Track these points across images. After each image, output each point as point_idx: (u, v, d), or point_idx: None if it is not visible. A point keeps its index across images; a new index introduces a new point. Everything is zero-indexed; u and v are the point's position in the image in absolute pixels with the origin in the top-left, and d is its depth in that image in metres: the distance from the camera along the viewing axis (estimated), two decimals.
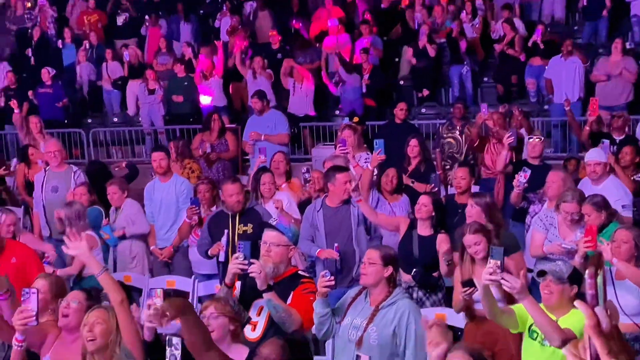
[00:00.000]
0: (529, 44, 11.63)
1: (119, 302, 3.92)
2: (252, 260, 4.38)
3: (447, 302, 5.96)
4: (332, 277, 4.27)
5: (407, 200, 7.19)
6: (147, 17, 13.89)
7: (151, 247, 7.49)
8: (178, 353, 3.06)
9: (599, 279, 0.87)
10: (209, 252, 6.46)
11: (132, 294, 6.01)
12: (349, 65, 11.61)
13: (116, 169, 9.16)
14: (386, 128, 9.98)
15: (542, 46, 11.40)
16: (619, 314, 4.66)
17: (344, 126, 8.52)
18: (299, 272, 4.79)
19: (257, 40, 13.33)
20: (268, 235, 4.59)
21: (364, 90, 11.47)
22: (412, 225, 6.16)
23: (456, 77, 12.11)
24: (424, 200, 6.09)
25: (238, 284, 4.55)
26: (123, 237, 7.27)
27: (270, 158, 7.93)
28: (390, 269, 4.29)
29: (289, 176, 7.85)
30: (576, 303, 1.08)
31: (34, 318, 3.82)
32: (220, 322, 3.99)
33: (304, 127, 11.78)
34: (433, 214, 6.02)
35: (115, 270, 7.20)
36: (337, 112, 12.16)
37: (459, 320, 5.41)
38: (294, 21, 13.37)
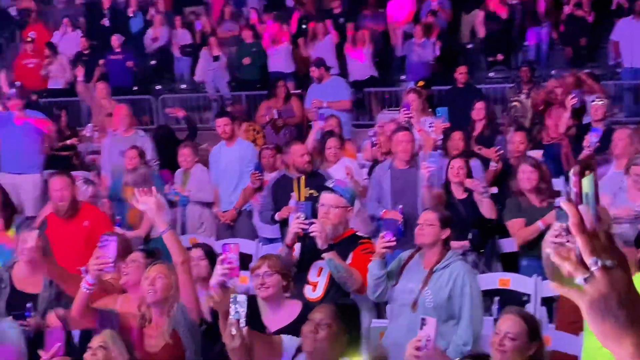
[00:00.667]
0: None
1: (180, 261, 4.02)
2: (312, 220, 4.41)
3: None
4: (393, 238, 4.28)
5: (478, 164, 6.91)
6: None
7: (214, 210, 7.64)
8: (243, 311, 3.12)
9: (587, 180, 0.85)
10: (275, 217, 6.51)
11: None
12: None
13: (171, 114, 9.27)
14: (450, 93, 9.88)
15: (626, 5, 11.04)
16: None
17: (408, 90, 8.48)
18: (357, 233, 4.81)
19: (322, 6, 13.27)
20: (325, 197, 4.61)
21: (436, 53, 11.19)
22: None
23: (533, 40, 11.65)
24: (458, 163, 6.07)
25: (298, 245, 4.56)
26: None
27: (325, 121, 7.96)
28: (447, 231, 4.30)
29: (342, 141, 7.82)
30: (561, 202, 1.05)
31: (112, 265, 3.86)
32: (274, 279, 4.06)
33: (368, 93, 11.71)
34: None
35: (183, 233, 7.33)
36: (403, 76, 12.05)
37: (524, 285, 5.37)
38: None
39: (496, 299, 5.39)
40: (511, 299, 5.21)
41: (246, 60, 11.85)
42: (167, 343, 3.89)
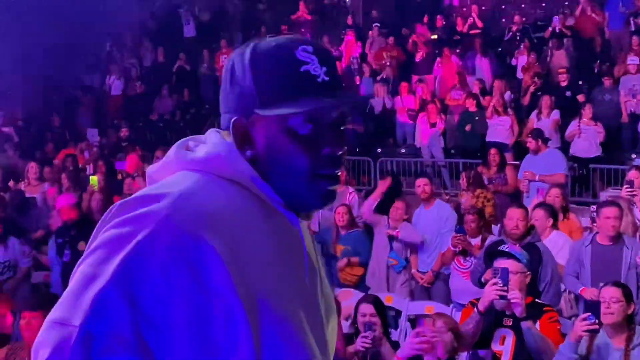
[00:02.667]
0: None
1: None
2: (510, 287, 4.35)
3: None
4: (596, 322, 4.09)
5: None
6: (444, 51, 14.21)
7: (412, 270, 7.66)
8: None
9: None
10: (481, 279, 6.34)
11: (387, 314, 6.13)
12: None
13: None
14: None
15: None
16: None
17: (631, 166, 8.07)
18: (536, 300, 4.67)
19: (551, 78, 13.01)
20: (504, 263, 4.51)
21: None
22: None
23: None
24: None
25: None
26: None
27: (546, 192, 7.76)
28: (632, 306, 4.06)
29: (565, 212, 7.62)
30: None
31: None
32: (447, 337, 4.00)
33: (593, 170, 11.21)
34: None
35: (388, 289, 7.48)
36: (634, 155, 11.39)
37: None
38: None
39: None
40: None
41: (467, 128, 11.88)
42: None
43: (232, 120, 1.43)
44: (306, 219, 1.53)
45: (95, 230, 1.39)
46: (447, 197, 10.40)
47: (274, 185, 1.43)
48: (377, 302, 4.98)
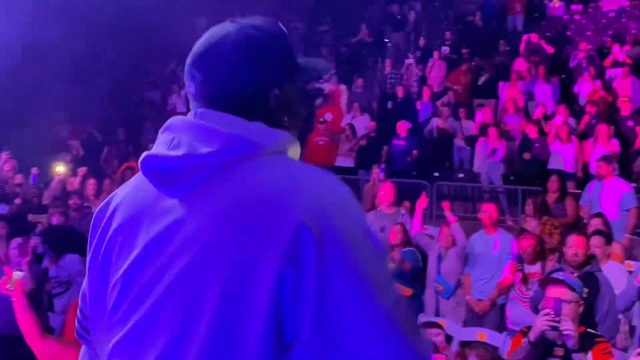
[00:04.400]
0: None
1: None
2: (563, 317, 4.28)
3: None
4: None
5: None
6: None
7: (467, 297, 7.57)
8: None
9: None
10: (538, 307, 6.28)
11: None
12: None
13: None
14: None
15: None
16: None
17: None
18: (588, 330, 4.58)
19: (612, 107, 12.78)
20: (557, 291, 4.41)
21: None
22: None
23: None
24: None
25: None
26: None
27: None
28: None
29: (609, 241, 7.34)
30: None
31: None
32: None
33: None
34: None
35: (437, 314, 7.48)
36: None
37: None
38: None
39: None
40: None
41: (527, 156, 11.71)
42: None
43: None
44: None
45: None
46: (510, 224, 10.30)
47: None
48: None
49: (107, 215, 1.59)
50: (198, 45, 1.58)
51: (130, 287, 1.46)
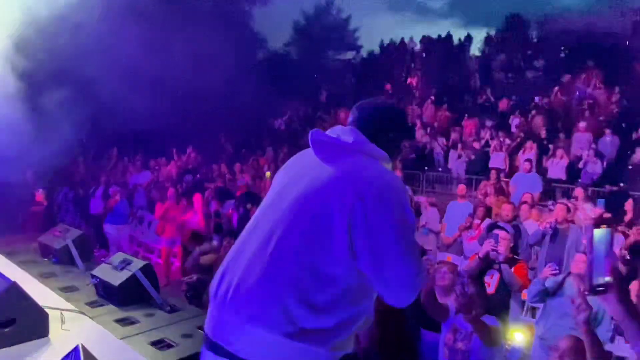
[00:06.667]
0: None
1: None
2: (499, 247, 6.11)
3: None
4: (557, 270, 5.83)
5: None
6: None
7: (441, 234, 11.40)
8: None
9: None
10: (482, 241, 7.32)
11: None
12: None
13: None
14: None
15: None
16: None
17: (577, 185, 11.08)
18: (514, 256, 6.44)
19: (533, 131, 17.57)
20: (500, 233, 6.39)
21: None
22: None
23: None
24: None
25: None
26: None
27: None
28: None
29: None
30: None
31: None
32: (449, 277, 5.45)
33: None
34: None
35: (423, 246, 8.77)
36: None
37: None
38: None
39: None
40: None
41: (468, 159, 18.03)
42: None
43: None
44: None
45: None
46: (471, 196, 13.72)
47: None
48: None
49: (283, 167, 2.81)
50: (361, 103, 2.77)
51: (272, 198, 2.67)
